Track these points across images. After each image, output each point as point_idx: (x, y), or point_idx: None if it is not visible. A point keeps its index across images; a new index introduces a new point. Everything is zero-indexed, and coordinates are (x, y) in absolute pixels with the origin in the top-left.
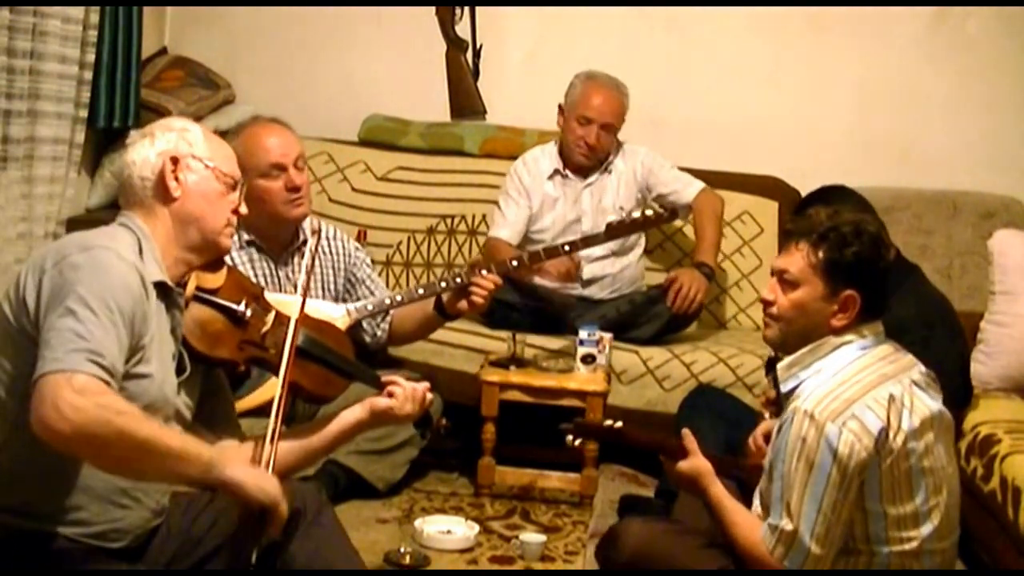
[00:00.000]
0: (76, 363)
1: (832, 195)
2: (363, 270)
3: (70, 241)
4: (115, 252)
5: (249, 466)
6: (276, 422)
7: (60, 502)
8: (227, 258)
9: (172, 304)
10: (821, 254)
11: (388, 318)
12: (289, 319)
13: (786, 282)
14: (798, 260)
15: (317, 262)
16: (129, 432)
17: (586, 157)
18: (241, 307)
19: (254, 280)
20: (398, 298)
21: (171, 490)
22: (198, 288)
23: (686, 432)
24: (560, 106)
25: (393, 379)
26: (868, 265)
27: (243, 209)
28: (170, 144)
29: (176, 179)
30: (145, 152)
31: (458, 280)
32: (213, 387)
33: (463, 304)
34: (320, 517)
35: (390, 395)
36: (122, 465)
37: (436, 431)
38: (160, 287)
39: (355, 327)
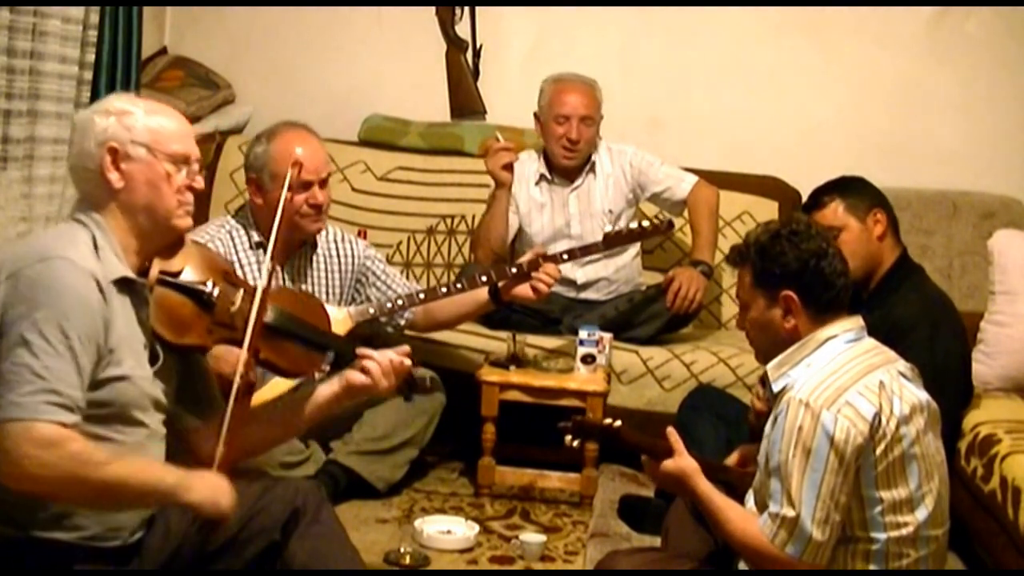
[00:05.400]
0: (35, 410)
1: (850, 185)
2: (377, 265)
3: (28, 249)
4: (70, 261)
5: (207, 481)
6: (228, 415)
7: (52, 509)
8: (233, 259)
9: (137, 296)
10: (748, 272)
11: (406, 313)
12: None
13: (743, 307)
14: (740, 285)
15: (320, 265)
16: (94, 480)
17: (571, 154)
18: (208, 287)
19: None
20: (399, 301)
21: None
22: (162, 272)
23: (671, 431)
24: (535, 115)
25: (366, 354)
26: (778, 260)
27: (198, 183)
28: (108, 132)
29: (118, 169)
30: (85, 143)
31: (514, 270)
32: (193, 370)
33: (524, 290)
34: (319, 516)
35: (364, 371)
36: (88, 503)
37: (422, 391)
38: (122, 282)
39: (373, 322)
